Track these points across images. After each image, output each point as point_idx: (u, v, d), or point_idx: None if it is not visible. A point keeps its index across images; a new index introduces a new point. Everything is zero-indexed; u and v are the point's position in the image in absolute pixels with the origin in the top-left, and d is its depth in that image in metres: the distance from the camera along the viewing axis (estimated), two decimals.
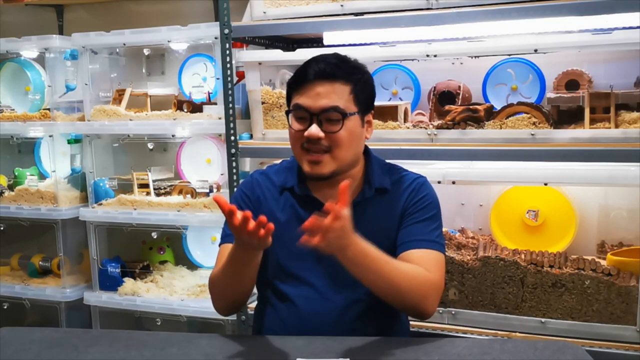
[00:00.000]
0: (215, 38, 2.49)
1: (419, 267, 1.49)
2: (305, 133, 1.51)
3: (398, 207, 1.59)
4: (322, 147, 1.52)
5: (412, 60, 2.31)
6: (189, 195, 2.78)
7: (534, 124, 2.04)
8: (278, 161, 1.77)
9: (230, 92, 2.37)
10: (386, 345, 1.42)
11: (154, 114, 2.76)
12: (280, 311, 1.60)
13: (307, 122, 1.52)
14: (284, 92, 1.65)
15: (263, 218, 1.33)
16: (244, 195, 1.65)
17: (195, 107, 2.74)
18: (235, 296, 1.59)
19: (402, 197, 1.59)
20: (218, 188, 2.71)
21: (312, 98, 1.52)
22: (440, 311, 2.12)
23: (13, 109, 3.03)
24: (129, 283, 2.83)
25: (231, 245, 1.47)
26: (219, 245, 1.62)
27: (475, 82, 2.41)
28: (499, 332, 2.06)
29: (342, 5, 2.22)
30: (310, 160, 1.53)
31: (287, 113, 1.59)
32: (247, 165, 2.57)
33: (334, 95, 1.51)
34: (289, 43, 2.69)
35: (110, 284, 2.85)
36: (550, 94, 2.23)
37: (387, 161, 1.70)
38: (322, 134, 1.50)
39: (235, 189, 2.34)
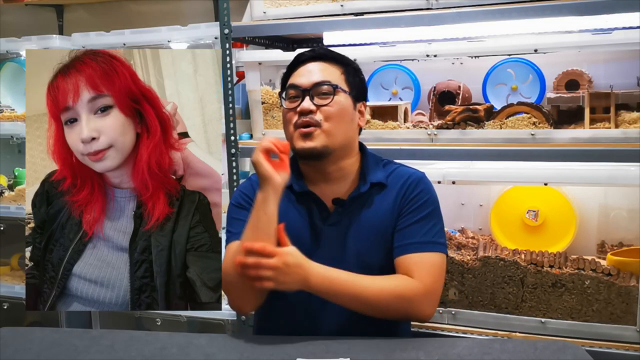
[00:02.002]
0: (215, 38, 2.49)
1: (400, 276, 1.50)
2: (298, 108, 1.55)
3: (394, 203, 1.58)
4: (313, 121, 1.54)
5: (412, 60, 2.31)
6: None
7: (534, 124, 2.04)
8: None
9: (230, 92, 2.37)
10: (386, 345, 1.42)
11: None
12: (279, 311, 1.60)
13: (299, 100, 1.57)
14: None
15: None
16: (244, 196, 1.64)
17: None
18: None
19: (398, 193, 1.58)
20: None
21: (304, 76, 1.58)
22: (440, 311, 2.12)
23: (13, 109, 3.03)
24: None
25: (239, 242, 1.48)
26: (226, 245, 1.60)
27: (475, 82, 2.41)
28: (499, 332, 2.06)
29: (342, 5, 2.22)
30: (302, 133, 1.55)
31: (280, 95, 1.64)
32: (247, 165, 2.57)
33: (325, 72, 1.59)
34: (289, 43, 2.69)
35: None
36: (550, 94, 2.22)
37: (385, 158, 1.70)
38: (313, 107, 1.54)
39: (235, 189, 2.34)
